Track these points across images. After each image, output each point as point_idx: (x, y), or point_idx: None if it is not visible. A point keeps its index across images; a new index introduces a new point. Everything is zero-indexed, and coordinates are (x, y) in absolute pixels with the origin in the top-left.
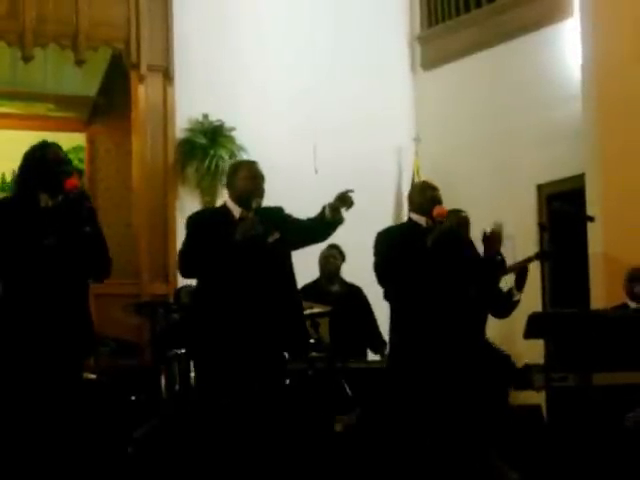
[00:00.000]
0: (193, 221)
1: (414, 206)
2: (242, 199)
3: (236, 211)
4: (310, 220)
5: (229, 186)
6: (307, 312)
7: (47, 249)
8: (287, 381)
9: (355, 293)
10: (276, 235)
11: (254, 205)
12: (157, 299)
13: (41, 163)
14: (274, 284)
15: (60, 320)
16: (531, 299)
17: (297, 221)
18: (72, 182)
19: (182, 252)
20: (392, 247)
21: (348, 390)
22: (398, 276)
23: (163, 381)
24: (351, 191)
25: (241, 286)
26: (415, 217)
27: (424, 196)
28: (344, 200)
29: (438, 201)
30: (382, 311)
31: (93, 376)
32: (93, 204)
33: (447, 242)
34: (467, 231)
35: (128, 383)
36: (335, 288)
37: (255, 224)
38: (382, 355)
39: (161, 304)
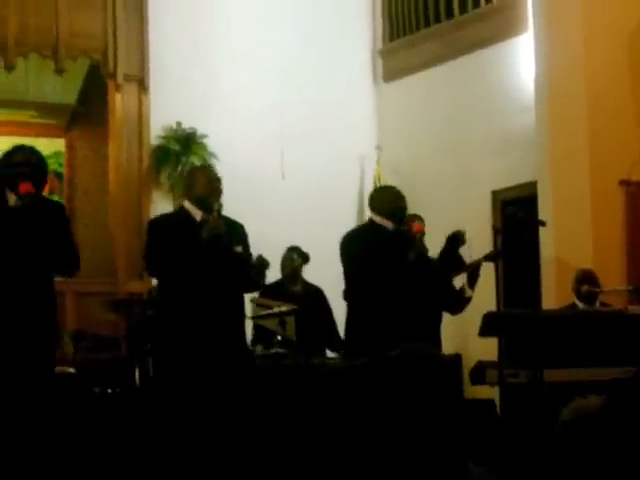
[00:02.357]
0: (154, 225)
1: (383, 210)
2: (202, 202)
3: (197, 214)
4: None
5: (188, 190)
6: (275, 310)
7: (10, 247)
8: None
9: (315, 293)
10: (239, 249)
11: (216, 207)
12: (133, 297)
13: (8, 164)
14: (231, 288)
15: (23, 314)
16: (486, 299)
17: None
18: (25, 187)
19: (145, 255)
20: (363, 257)
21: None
22: (372, 287)
23: (137, 374)
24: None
25: (203, 287)
26: (379, 220)
27: (397, 204)
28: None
29: (405, 211)
30: (342, 310)
31: (71, 370)
32: (72, 206)
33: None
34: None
35: (105, 376)
36: (297, 288)
37: (220, 224)
38: (339, 353)
39: (136, 301)
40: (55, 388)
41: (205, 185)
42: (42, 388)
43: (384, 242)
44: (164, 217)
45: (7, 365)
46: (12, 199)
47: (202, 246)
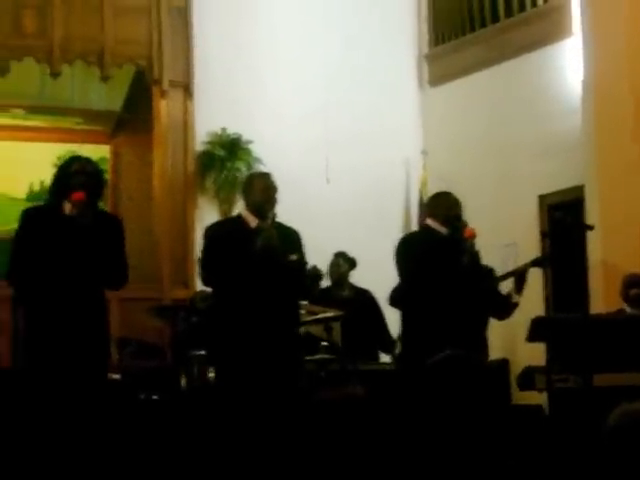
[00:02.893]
0: (210, 232)
1: (438, 215)
2: (258, 209)
3: (252, 221)
4: None
5: (245, 196)
6: (320, 316)
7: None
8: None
9: (364, 296)
10: (295, 257)
11: (270, 216)
12: (177, 303)
13: (65, 174)
14: (286, 298)
15: (79, 321)
16: (534, 304)
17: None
18: (77, 195)
19: (202, 264)
20: (418, 260)
21: (360, 390)
22: (426, 291)
23: (183, 381)
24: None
25: (257, 295)
26: (433, 224)
27: (453, 211)
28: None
29: (459, 218)
30: (393, 312)
31: (117, 376)
32: (117, 213)
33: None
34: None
35: (150, 383)
36: (345, 293)
37: (273, 233)
38: (392, 355)
39: (181, 307)
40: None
41: (262, 192)
42: (96, 396)
43: (438, 247)
44: (220, 224)
45: (62, 372)
46: (68, 208)
47: (256, 255)
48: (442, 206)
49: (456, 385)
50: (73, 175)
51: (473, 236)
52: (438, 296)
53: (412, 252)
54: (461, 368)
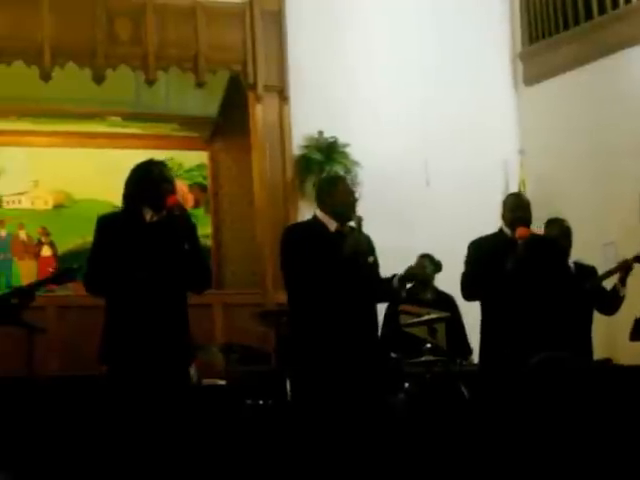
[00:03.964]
0: (291, 236)
1: (505, 218)
2: (339, 213)
3: (331, 224)
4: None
5: (326, 199)
6: (425, 318)
7: (149, 262)
8: (405, 384)
9: (447, 302)
10: (372, 259)
11: (355, 220)
12: (281, 308)
13: (146, 180)
14: (371, 302)
15: (161, 328)
16: (635, 303)
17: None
18: (173, 199)
19: (289, 266)
20: (479, 260)
21: (465, 392)
22: (480, 290)
23: (288, 386)
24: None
25: (343, 299)
26: (503, 227)
27: (515, 214)
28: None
29: (524, 221)
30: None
31: (223, 382)
32: (218, 219)
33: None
34: (569, 241)
35: (256, 388)
36: (428, 296)
37: (362, 239)
38: (467, 361)
39: (285, 312)
40: (196, 400)
41: (345, 195)
42: (179, 401)
43: (504, 249)
44: (299, 227)
45: (146, 377)
46: (148, 215)
47: (343, 261)
48: (507, 208)
49: (557, 387)
50: (159, 180)
51: (524, 237)
52: (493, 300)
53: (478, 256)
54: (561, 370)
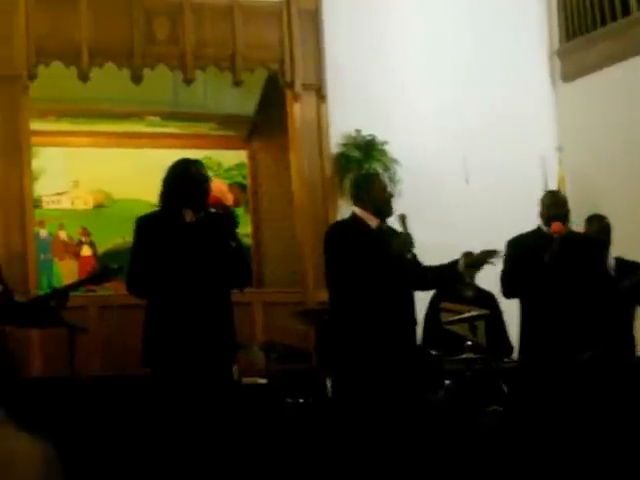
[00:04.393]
0: (335, 234)
1: (541, 215)
2: (380, 209)
3: (372, 221)
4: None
5: (365, 196)
6: (465, 315)
7: (192, 262)
8: (446, 382)
9: (487, 300)
10: (411, 255)
11: (400, 218)
12: (321, 306)
13: (185, 180)
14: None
15: (205, 327)
16: None
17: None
18: (214, 198)
19: (332, 266)
20: (518, 258)
21: (505, 389)
22: (519, 287)
23: (328, 384)
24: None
25: (388, 297)
26: (543, 226)
27: (550, 211)
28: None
29: (560, 218)
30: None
31: (264, 380)
32: (258, 217)
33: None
34: (609, 237)
35: (296, 386)
36: (469, 293)
37: (410, 237)
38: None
39: (325, 311)
40: (237, 397)
41: (383, 192)
42: (223, 399)
43: (543, 245)
44: (341, 225)
45: (190, 378)
46: (188, 215)
47: (390, 258)
48: (544, 206)
49: (601, 384)
50: (198, 179)
51: (559, 232)
52: (532, 297)
53: (516, 253)
54: (614, 366)
